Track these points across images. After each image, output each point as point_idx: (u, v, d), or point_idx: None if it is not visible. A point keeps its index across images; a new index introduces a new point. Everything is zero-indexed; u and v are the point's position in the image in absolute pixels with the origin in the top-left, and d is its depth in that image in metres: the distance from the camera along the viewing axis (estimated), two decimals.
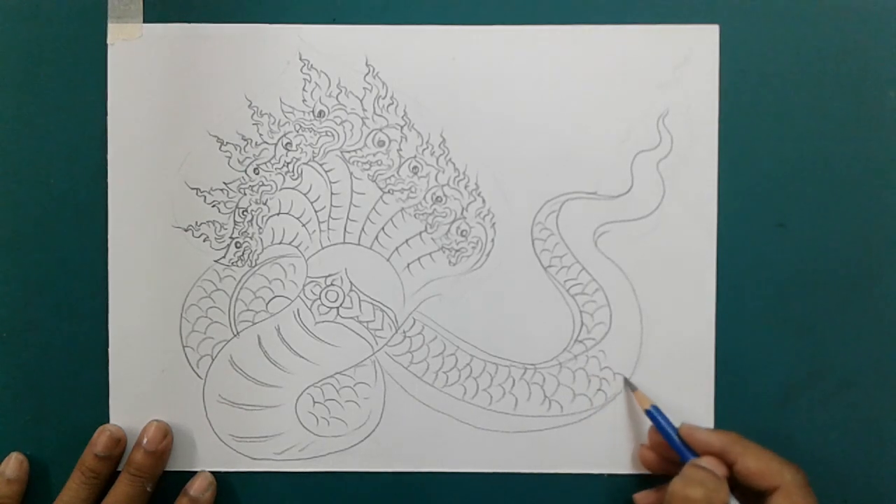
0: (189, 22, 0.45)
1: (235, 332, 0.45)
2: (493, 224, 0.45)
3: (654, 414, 0.43)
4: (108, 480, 0.44)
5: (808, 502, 0.39)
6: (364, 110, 0.45)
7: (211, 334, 0.45)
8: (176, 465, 0.45)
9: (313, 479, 0.45)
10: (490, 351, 0.45)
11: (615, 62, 0.44)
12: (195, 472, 0.45)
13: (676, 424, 0.42)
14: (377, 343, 0.45)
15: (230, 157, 0.45)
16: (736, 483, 0.40)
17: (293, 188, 0.45)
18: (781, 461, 0.40)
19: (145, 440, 0.43)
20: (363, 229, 0.45)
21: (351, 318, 0.45)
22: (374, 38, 0.45)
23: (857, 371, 0.45)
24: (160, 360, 0.45)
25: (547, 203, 0.45)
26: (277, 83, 0.45)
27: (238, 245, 0.45)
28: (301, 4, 0.45)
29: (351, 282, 0.45)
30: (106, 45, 0.45)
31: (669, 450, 0.42)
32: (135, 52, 0.44)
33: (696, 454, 0.41)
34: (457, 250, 0.45)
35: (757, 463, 0.39)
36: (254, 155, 0.45)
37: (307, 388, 0.45)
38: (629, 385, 0.44)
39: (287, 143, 0.45)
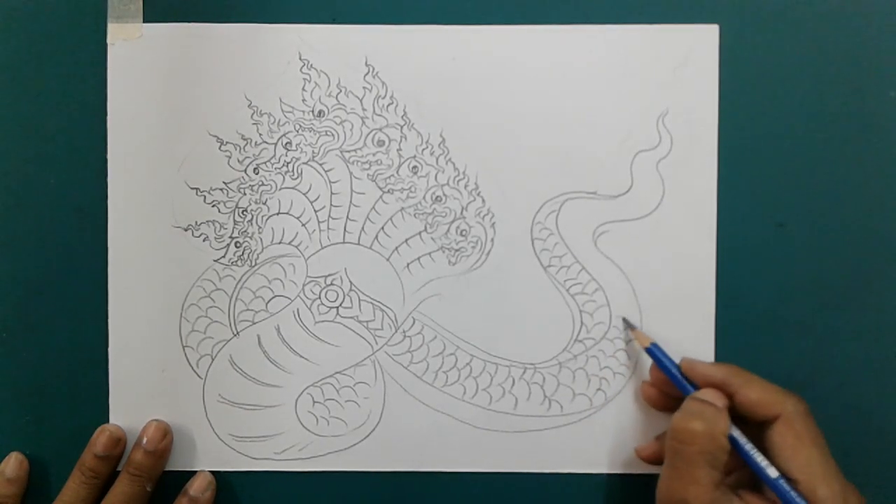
0: (189, 22, 0.45)
1: (235, 332, 0.45)
2: (493, 224, 0.45)
3: (654, 351, 0.43)
4: (108, 480, 0.44)
5: (810, 430, 0.38)
6: (364, 110, 0.45)
7: (211, 334, 0.45)
8: (176, 464, 0.45)
9: (313, 478, 0.45)
10: (490, 351, 0.45)
11: (615, 62, 0.44)
12: (195, 472, 0.45)
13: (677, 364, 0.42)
14: (377, 343, 0.45)
15: (230, 157, 0.45)
16: (738, 414, 0.40)
17: (293, 188, 0.45)
18: (782, 391, 0.39)
19: (145, 440, 0.43)
20: (363, 229, 0.45)
21: (351, 317, 0.45)
22: (374, 38, 0.45)
23: (857, 371, 0.45)
24: (160, 360, 0.45)
25: (547, 203, 0.45)
26: (277, 83, 0.45)
27: (238, 245, 0.45)
28: (301, 4, 0.45)
29: (351, 281, 0.45)
30: (106, 45, 0.45)
31: (671, 386, 0.42)
32: (135, 52, 0.44)
33: (698, 387, 0.41)
34: (456, 250, 0.45)
35: (758, 393, 0.39)
36: (253, 155, 0.45)
37: (307, 387, 0.45)
38: (628, 324, 0.44)
39: (287, 143, 0.45)
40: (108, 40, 0.45)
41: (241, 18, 0.45)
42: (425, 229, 0.45)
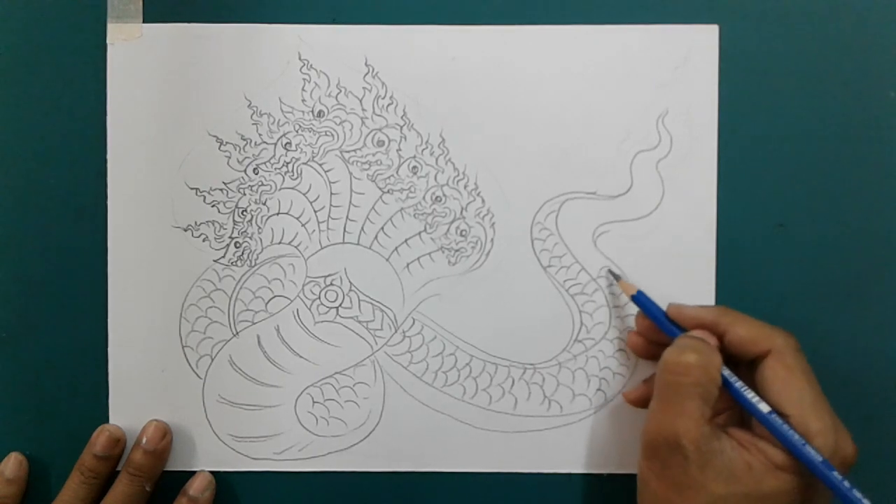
0: (189, 22, 0.45)
1: (235, 332, 0.45)
2: (493, 224, 0.45)
3: (640, 299, 0.42)
4: (107, 480, 0.44)
5: (801, 364, 0.38)
6: (363, 110, 0.45)
7: (210, 334, 0.45)
8: (175, 464, 0.45)
9: (313, 479, 0.45)
10: (489, 351, 0.45)
11: (615, 62, 0.44)
12: (194, 472, 0.45)
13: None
14: (377, 343, 0.45)
15: (230, 157, 0.45)
16: (728, 355, 0.39)
17: (293, 188, 0.45)
18: (772, 327, 0.39)
19: (144, 440, 0.43)
20: (362, 229, 0.45)
21: (350, 317, 0.45)
22: (374, 38, 0.45)
23: (857, 371, 0.44)
24: (160, 360, 0.45)
25: (546, 203, 0.45)
26: (277, 83, 0.45)
27: (237, 245, 0.45)
28: (301, 4, 0.45)
29: (350, 282, 0.45)
30: (106, 45, 0.45)
31: (658, 333, 0.42)
32: (135, 52, 0.44)
33: (686, 331, 0.41)
34: (456, 250, 0.45)
35: (747, 329, 0.39)
36: (253, 155, 0.45)
37: (307, 387, 0.45)
38: (613, 275, 0.44)
39: (286, 143, 0.45)
40: (108, 40, 0.45)
41: (240, 19, 0.45)
42: (425, 229, 0.45)
